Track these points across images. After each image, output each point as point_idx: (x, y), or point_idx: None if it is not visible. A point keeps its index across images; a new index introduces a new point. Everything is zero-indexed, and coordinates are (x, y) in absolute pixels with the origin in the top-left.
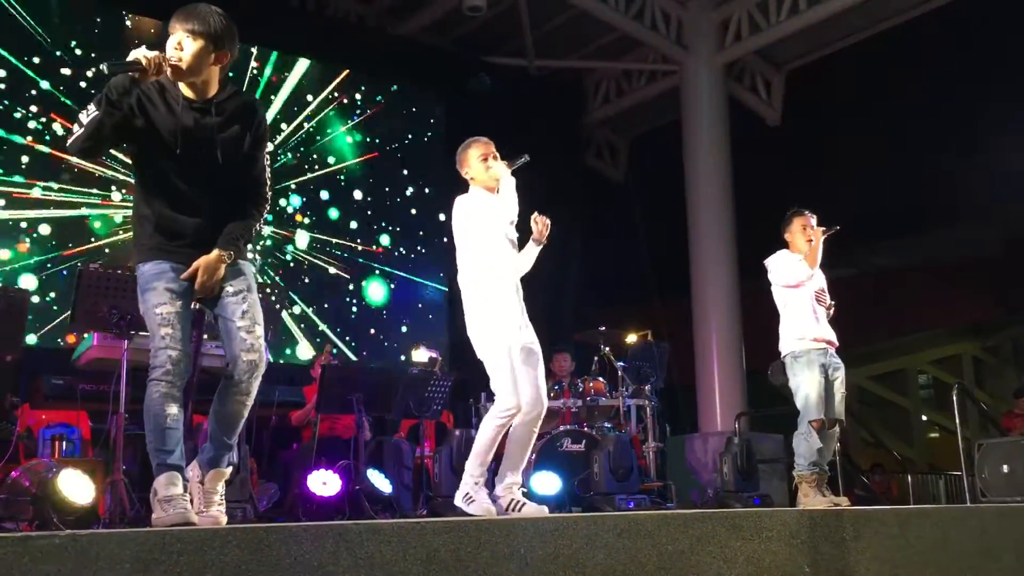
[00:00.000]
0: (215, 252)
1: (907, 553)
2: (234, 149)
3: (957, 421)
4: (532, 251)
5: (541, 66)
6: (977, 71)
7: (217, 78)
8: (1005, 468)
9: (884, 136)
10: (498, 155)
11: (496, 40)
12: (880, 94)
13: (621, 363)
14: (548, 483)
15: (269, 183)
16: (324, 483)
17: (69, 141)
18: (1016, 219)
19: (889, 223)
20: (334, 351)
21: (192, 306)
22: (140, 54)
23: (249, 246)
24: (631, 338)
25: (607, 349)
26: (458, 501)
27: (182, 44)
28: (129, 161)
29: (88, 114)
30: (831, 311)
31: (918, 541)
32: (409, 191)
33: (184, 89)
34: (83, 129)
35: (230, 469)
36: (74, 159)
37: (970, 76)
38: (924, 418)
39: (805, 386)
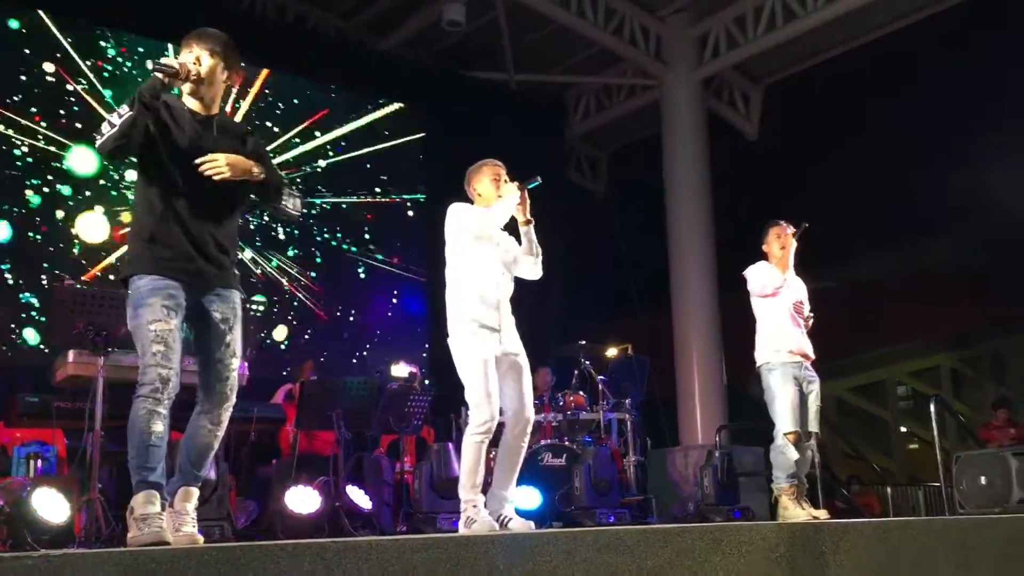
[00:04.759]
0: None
1: (886, 566)
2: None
3: (935, 433)
4: (527, 234)
5: (521, 80)
6: (955, 83)
7: (220, 97)
8: (983, 480)
9: (862, 149)
10: (508, 178)
11: (476, 55)
12: (857, 107)
13: (601, 377)
14: (529, 497)
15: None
16: (303, 500)
17: (99, 142)
18: (994, 231)
19: (867, 235)
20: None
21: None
22: (175, 60)
23: (290, 199)
24: (611, 352)
25: (587, 363)
26: (461, 530)
27: (200, 59)
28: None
29: (120, 115)
30: (810, 322)
31: (897, 553)
32: (389, 205)
33: (190, 104)
34: (115, 129)
35: (197, 489)
36: None
37: (948, 88)
38: (903, 429)
39: (780, 398)
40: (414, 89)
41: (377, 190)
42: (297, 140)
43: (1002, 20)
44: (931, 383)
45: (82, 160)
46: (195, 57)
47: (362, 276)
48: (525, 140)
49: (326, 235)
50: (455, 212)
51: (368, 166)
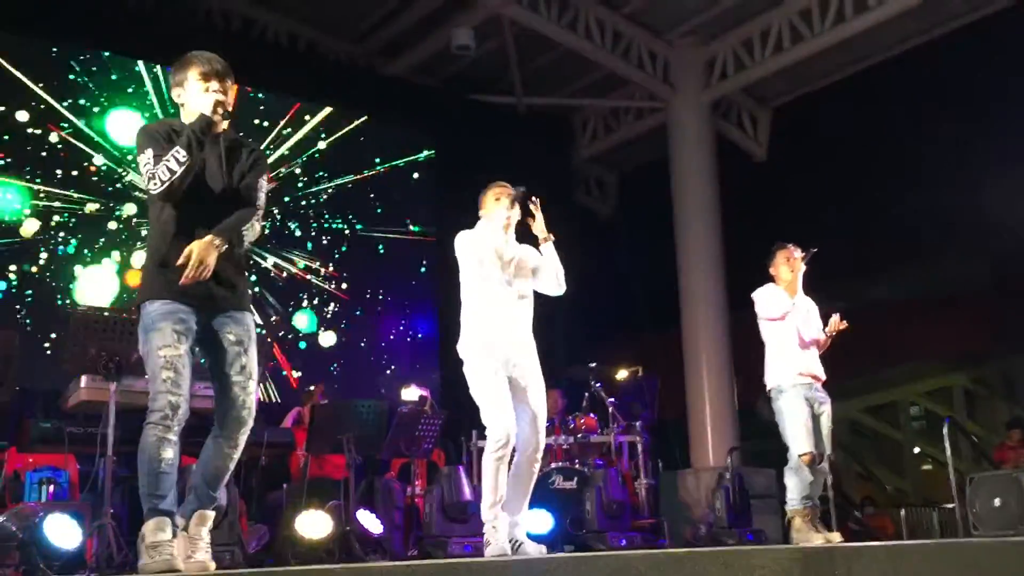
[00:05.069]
0: (208, 236)
1: None
2: (238, 182)
3: (948, 454)
4: (546, 251)
5: (530, 104)
6: (963, 105)
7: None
8: (997, 502)
9: (870, 169)
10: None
11: (485, 79)
12: (866, 129)
13: (612, 399)
14: (540, 521)
15: (263, 205)
16: (314, 524)
17: (161, 189)
18: (1005, 251)
19: (877, 255)
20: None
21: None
22: (220, 97)
23: (249, 232)
24: (622, 374)
25: (598, 385)
26: (488, 552)
27: (226, 88)
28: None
29: (179, 160)
30: (829, 341)
31: None
32: (400, 229)
33: None
34: (179, 176)
35: (213, 513)
36: None
37: (956, 110)
38: (917, 450)
39: (792, 420)
40: (423, 114)
41: (384, 213)
42: (302, 166)
43: (1005, 41)
44: (944, 403)
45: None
46: (221, 86)
47: (369, 298)
48: (534, 163)
49: (339, 222)
50: (458, 241)
51: (375, 190)
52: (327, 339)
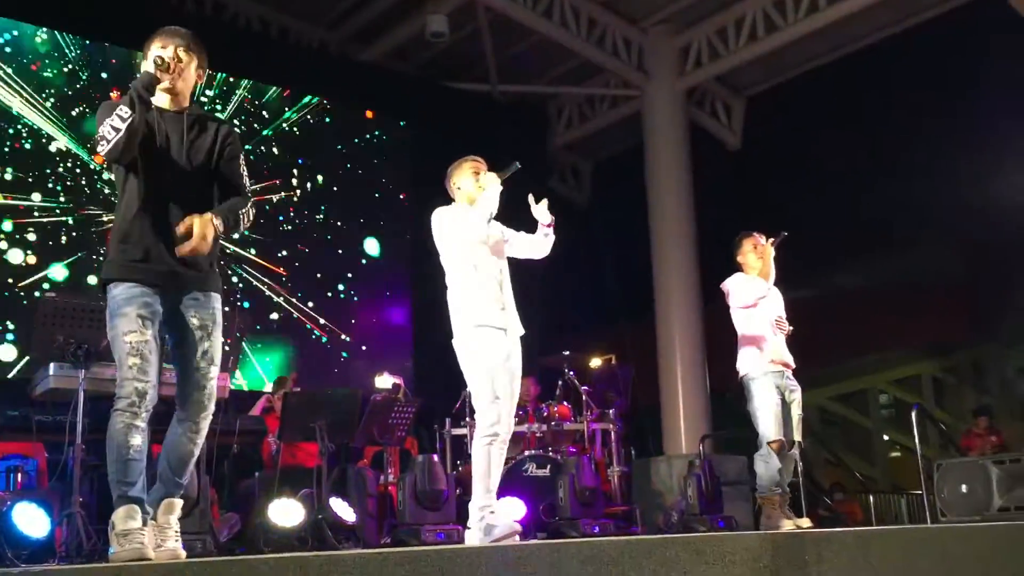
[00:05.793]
0: (208, 214)
1: (869, 575)
2: (204, 159)
3: (916, 441)
4: (548, 235)
5: (504, 91)
6: (937, 94)
7: (191, 92)
8: (964, 488)
9: (844, 159)
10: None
11: (460, 66)
12: (840, 118)
13: (585, 387)
14: (513, 509)
15: (249, 188)
16: (286, 512)
17: (106, 149)
18: (979, 240)
19: (849, 244)
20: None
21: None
22: (163, 54)
23: (244, 218)
24: (595, 362)
25: (571, 373)
26: (474, 540)
27: (179, 55)
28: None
29: (122, 117)
30: (788, 335)
31: (880, 563)
32: (373, 215)
33: (160, 102)
34: (122, 133)
35: (180, 501)
36: None
37: (930, 99)
38: (885, 438)
39: (762, 408)
40: (397, 100)
41: (359, 200)
42: (276, 151)
43: (979, 30)
44: (913, 391)
45: None
46: (174, 52)
47: (344, 284)
48: (509, 151)
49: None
50: (440, 218)
51: (349, 176)
52: None
